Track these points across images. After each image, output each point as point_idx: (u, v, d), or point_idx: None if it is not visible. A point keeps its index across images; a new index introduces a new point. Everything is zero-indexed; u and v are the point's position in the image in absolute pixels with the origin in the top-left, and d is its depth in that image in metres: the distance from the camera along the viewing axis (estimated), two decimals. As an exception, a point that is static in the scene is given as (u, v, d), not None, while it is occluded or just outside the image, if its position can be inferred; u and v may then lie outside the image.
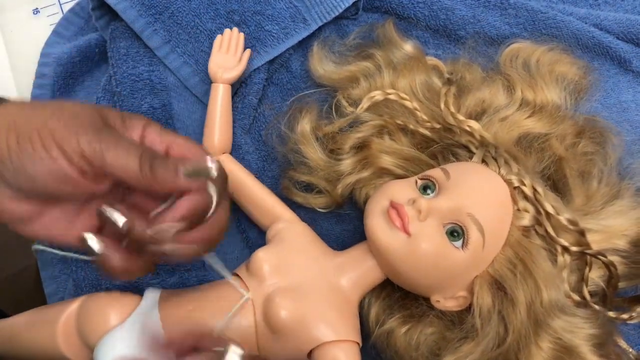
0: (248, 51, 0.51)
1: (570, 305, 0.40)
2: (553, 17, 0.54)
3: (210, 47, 0.52)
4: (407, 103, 0.47)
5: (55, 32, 0.58)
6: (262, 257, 0.42)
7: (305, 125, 0.48)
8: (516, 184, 0.41)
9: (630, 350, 0.43)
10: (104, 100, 0.53)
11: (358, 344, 0.41)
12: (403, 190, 0.41)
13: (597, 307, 0.41)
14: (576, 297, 0.41)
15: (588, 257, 0.41)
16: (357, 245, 0.43)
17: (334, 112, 0.50)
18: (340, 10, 0.54)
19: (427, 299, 0.42)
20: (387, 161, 0.46)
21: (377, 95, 0.47)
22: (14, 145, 0.33)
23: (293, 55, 0.54)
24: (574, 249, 0.41)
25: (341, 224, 0.50)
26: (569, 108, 0.49)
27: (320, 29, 0.54)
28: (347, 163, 0.46)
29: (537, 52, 0.50)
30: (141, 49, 0.53)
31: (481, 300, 0.40)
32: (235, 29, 0.51)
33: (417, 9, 0.55)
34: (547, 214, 0.41)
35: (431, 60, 0.51)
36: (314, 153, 0.47)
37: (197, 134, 0.52)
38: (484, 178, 0.41)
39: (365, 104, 0.47)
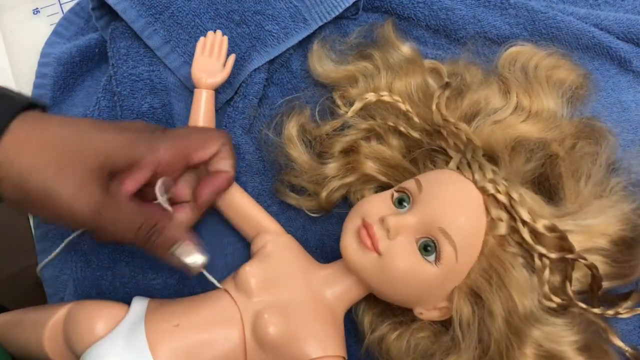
0: (233, 56, 0.50)
1: (546, 316, 0.39)
2: (553, 17, 0.54)
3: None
4: (400, 105, 0.47)
5: (55, 32, 0.58)
6: (249, 271, 0.42)
7: (291, 129, 0.48)
8: (490, 191, 0.40)
9: (627, 348, 0.43)
10: (104, 100, 0.53)
11: (344, 358, 0.41)
12: (376, 207, 0.41)
13: (582, 305, 0.41)
14: (557, 300, 0.41)
15: (568, 261, 0.41)
16: (339, 260, 0.43)
17: (329, 114, 0.50)
18: (341, 10, 0.54)
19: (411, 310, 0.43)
20: (371, 167, 0.46)
21: (370, 96, 0.47)
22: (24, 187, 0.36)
23: (293, 55, 0.54)
24: (552, 255, 0.40)
25: (341, 225, 0.50)
26: (566, 115, 0.48)
27: (320, 28, 0.54)
28: (332, 167, 0.47)
29: (536, 57, 0.50)
30: (141, 49, 0.53)
31: (460, 311, 0.40)
32: (218, 32, 0.51)
33: (417, 9, 0.55)
34: (523, 221, 0.40)
35: (431, 63, 0.51)
36: (300, 156, 0.47)
37: (197, 133, 0.52)
38: (456, 188, 0.41)
39: (357, 105, 0.47)
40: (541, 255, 0.40)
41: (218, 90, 0.52)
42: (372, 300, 0.45)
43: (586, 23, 0.54)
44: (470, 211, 0.40)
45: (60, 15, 0.59)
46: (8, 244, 0.45)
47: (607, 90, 0.53)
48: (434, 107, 0.45)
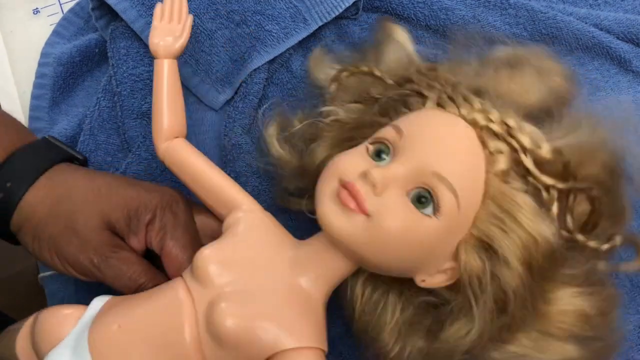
0: (191, 17, 0.44)
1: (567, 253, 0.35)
2: (553, 17, 0.54)
3: (211, 47, 0.52)
4: (367, 70, 0.43)
5: (55, 32, 0.58)
6: (208, 255, 0.36)
7: (270, 133, 0.45)
8: (482, 122, 0.35)
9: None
10: (104, 101, 0.52)
11: (323, 350, 0.35)
12: (352, 163, 0.35)
13: (581, 237, 0.36)
14: (565, 234, 0.36)
15: (572, 193, 0.36)
16: (318, 234, 0.37)
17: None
18: (341, 10, 0.54)
19: (410, 281, 0.37)
20: (333, 140, 0.41)
21: (343, 74, 0.44)
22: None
23: (293, 55, 0.54)
24: (560, 186, 0.35)
25: None
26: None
27: (320, 28, 0.54)
28: (310, 152, 0.42)
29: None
30: (141, 49, 0.53)
31: (469, 268, 0.34)
32: None
33: (417, 9, 0.55)
34: (525, 149, 0.35)
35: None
36: (282, 153, 0.44)
37: (196, 134, 0.52)
38: (442, 125, 0.35)
39: (332, 86, 0.44)
40: (548, 187, 0.35)
41: (218, 91, 0.52)
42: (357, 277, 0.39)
43: (586, 23, 0.54)
44: (464, 148, 0.34)
45: (60, 15, 0.59)
46: (8, 245, 0.45)
47: (607, 90, 0.53)
48: (412, 70, 0.41)
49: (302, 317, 0.35)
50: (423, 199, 0.34)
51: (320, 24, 0.54)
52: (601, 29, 0.54)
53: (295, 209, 0.45)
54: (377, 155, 0.35)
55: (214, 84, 0.52)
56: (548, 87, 0.42)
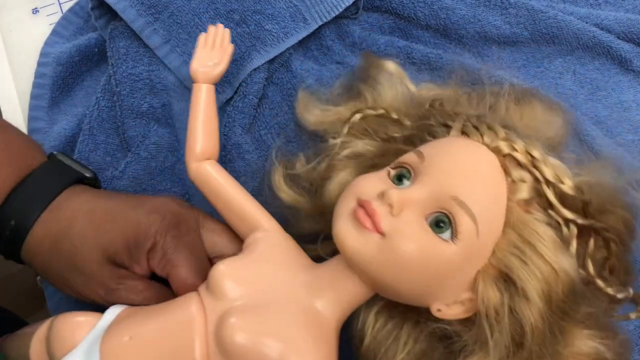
0: (231, 46, 0.46)
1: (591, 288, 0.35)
2: (554, 16, 0.54)
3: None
4: (385, 113, 0.43)
5: (54, 32, 0.58)
6: (223, 270, 0.36)
7: (277, 179, 0.44)
8: (506, 150, 0.35)
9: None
10: (103, 100, 0.52)
11: None
12: (371, 184, 0.34)
13: (600, 282, 0.36)
14: (583, 273, 0.36)
15: (592, 231, 0.35)
16: (335, 257, 0.37)
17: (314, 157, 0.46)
18: (341, 10, 0.54)
19: (429, 312, 0.36)
20: (358, 169, 0.41)
21: (355, 116, 0.43)
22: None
23: (293, 55, 0.54)
24: (580, 221, 0.34)
25: None
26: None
27: (320, 28, 0.54)
28: (327, 190, 0.41)
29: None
30: (141, 49, 0.53)
31: (487, 300, 0.33)
32: (220, 25, 0.48)
33: (418, 8, 0.55)
34: (547, 181, 0.34)
35: (419, 90, 0.47)
36: (295, 199, 0.43)
37: (196, 133, 0.52)
38: (464, 150, 0.35)
39: (345, 129, 0.43)
40: (568, 222, 0.34)
41: (218, 90, 0.52)
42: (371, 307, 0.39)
43: (587, 23, 0.54)
44: (486, 174, 0.34)
45: (60, 14, 0.59)
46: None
47: (608, 90, 0.53)
48: (427, 106, 0.42)
49: (312, 339, 0.34)
50: (441, 223, 0.33)
51: (320, 23, 0.53)
52: (602, 29, 0.54)
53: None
54: (399, 179, 0.35)
55: (214, 83, 0.52)
56: (562, 120, 0.42)
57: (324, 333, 0.35)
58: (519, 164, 0.35)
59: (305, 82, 0.53)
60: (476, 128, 0.36)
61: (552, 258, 0.33)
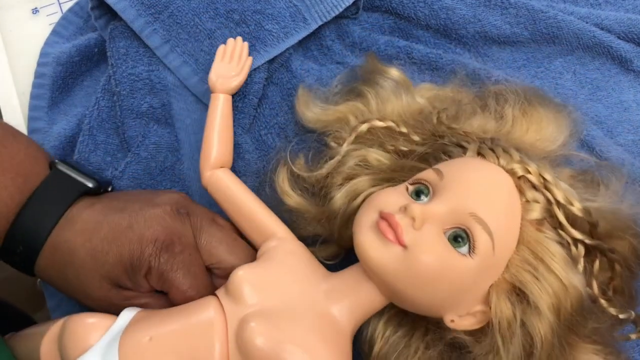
0: (250, 59, 0.49)
1: (597, 304, 0.36)
2: (554, 16, 0.54)
3: (210, 46, 0.52)
4: (394, 127, 0.44)
5: (54, 32, 0.58)
6: (242, 276, 0.37)
7: (281, 183, 0.44)
8: (520, 172, 0.37)
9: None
10: (103, 100, 0.52)
11: None
12: (392, 198, 0.36)
13: (604, 301, 0.37)
14: (590, 292, 0.37)
15: (598, 251, 0.37)
16: (352, 266, 0.38)
17: (316, 160, 0.47)
18: (341, 10, 0.54)
19: (439, 321, 0.38)
20: (371, 180, 0.42)
21: (363, 127, 0.44)
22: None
23: (293, 55, 0.54)
24: (589, 242, 0.36)
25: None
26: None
27: (320, 28, 0.54)
28: (336, 199, 0.42)
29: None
30: (140, 49, 0.53)
31: (500, 313, 0.35)
32: (239, 38, 0.50)
33: (418, 8, 0.55)
34: (558, 203, 0.36)
35: (419, 91, 0.48)
36: (300, 204, 0.44)
37: (196, 133, 0.52)
38: (483, 171, 0.37)
39: (351, 138, 0.44)
40: (576, 241, 0.36)
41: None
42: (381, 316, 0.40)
43: (587, 23, 0.54)
44: (502, 193, 0.36)
45: (60, 14, 0.59)
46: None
47: (608, 90, 0.53)
48: (434, 120, 0.43)
49: (329, 346, 0.35)
50: (459, 238, 0.35)
51: (320, 23, 0.53)
52: (602, 29, 0.54)
53: None
54: (417, 195, 0.37)
55: (214, 83, 0.52)
56: (567, 131, 0.45)
57: (340, 340, 0.36)
58: (533, 186, 0.37)
59: (305, 82, 0.53)
60: (492, 150, 0.38)
61: (562, 274, 0.35)
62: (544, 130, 0.44)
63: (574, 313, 0.35)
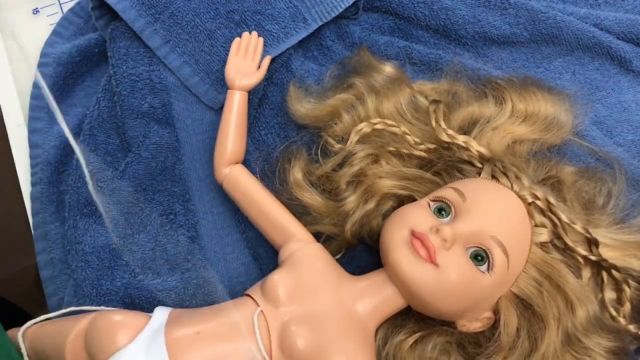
0: (268, 58, 0.49)
1: (608, 319, 0.40)
2: (553, 17, 0.54)
3: (210, 47, 0.52)
4: (396, 129, 0.45)
5: (55, 32, 0.58)
6: (278, 280, 0.40)
7: (296, 174, 0.46)
8: (530, 199, 0.41)
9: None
10: (104, 100, 0.52)
11: None
12: (421, 217, 0.40)
13: (622, 320, 0.41)
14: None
15: (603, 272, 0.41)
16: (376, 271, 0.42)
17: (320, 154, 0.48)
18: (341, 10, 0.54)
19: (449, 323, 0.42)
20: (387, 184, 0.44)
21: (364, 127, 0.46)
22: None
23: (293, 55, 0.54)
24: (592, 257, 0.40)
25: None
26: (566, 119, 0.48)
27: (320, 28, 0.54)
28: (350, 200, 0.44)
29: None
30: (141, 49, 0.53)
31: (508, 320, 0.39)
32: (254, 33, 0.50)
33: (417, 9, 0.55)
34: (563, 224, 0.40)
35: (415, 86, 0.49)
36: (314, 200, 0.45)
37: (196, 133, 0.52)
38: (500, 196, 0.41)
39: (353, 138, 0.45)
40: (580, 259, 0.40)
41: (218, 91, 0.52)
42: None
43: (586, 23, 0.54)
44: (517, 218, 0.40)
45: (60, 15, 0.59)
46: (8, 244, 0.45)
47: (608, 90, 0.53)
48: (433, 123, 0.44)
49: (359, 344, 0.39)
50: (479, 257, 0.39)
51: (320, 23, 0.54)
52: (601, 29, 0.54)
53: None
54: (439, 211, 0.40)
55: (214, 83, 0.52)
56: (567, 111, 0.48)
57: (368, 340, 0.40)
58: (541, 211, 0.41)
59: (306, 83, 0.53)
60: (505, 175, 0.42)
61: (568, 289, 0.39)
62: (543, 112, 0.47)
63: (579, 325, 0.38)
